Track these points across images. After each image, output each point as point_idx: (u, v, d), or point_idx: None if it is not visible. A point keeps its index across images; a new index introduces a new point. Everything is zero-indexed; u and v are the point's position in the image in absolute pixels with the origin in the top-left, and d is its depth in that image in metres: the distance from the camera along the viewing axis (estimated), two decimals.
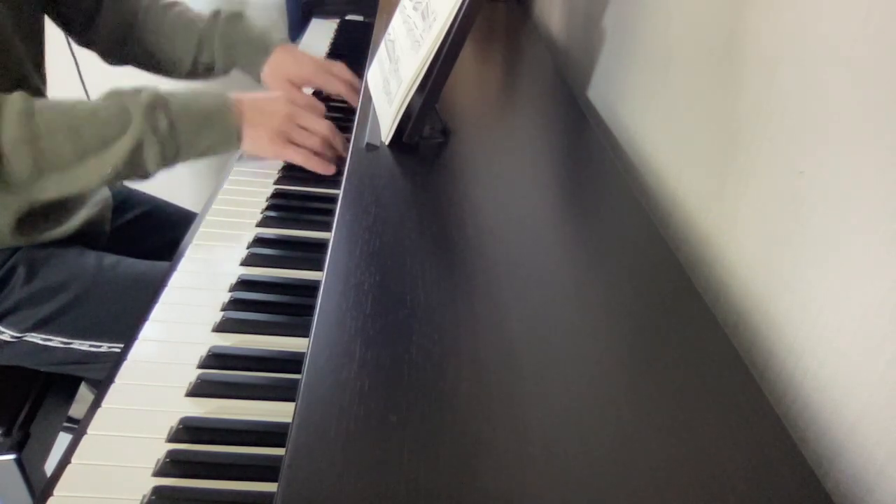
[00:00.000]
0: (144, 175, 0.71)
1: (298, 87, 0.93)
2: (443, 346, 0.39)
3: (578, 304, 0.44)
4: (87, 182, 0.68)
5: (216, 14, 0.93)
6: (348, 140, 0.76)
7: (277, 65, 0.92)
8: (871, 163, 0.38)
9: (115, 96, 0.69)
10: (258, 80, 0.94)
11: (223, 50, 0.92)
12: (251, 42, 0.92)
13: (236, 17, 0.93)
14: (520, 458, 0.33)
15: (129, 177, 0.70)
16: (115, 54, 0.95)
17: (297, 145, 0.77)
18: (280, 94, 0.79)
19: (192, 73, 0.96)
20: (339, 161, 0.81)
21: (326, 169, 0.79)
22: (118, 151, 0.67)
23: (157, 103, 0.69)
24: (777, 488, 0.33)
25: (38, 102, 0.66)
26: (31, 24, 0.78)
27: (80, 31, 0.92)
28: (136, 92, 0.69)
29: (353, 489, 0.31)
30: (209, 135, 0.71)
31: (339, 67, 0.96)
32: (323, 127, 0.79)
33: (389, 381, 0.37)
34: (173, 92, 0.72)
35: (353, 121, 0.94)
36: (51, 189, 0.68)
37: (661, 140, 0.65)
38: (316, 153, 0.79)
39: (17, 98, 0.65)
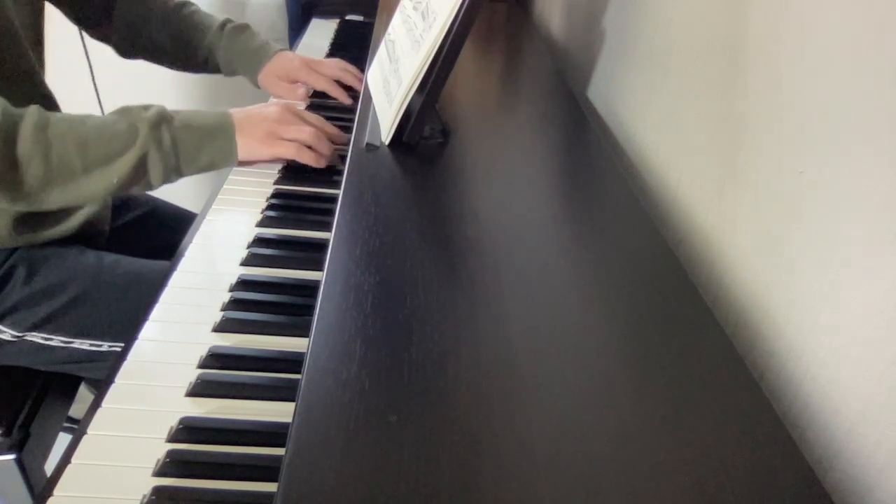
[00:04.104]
0: (148, 187, 0.74)
1: (289, 83, 1.01)
2: (443, 346, 0.39)
3: (578, 304, 0.44)
4: (93, 193, 0.70)
5: (223, 24, 1.00)
6: (347, 134, 0.78)
7: (271, 67, 1.00)
8: (872, 162, 0.38)
9: (124, 112, 0.72)
10: (256, 84, 1.03)
11: (226, 60, 1.01)
12: (252, 53, 1.00)
13: (241, 29, 1.01)
14: (519, 457, 0.33)
15: (132, 189, 0.73)
16: (127, 49, 1.00)
17: (288, 141, 0.80)
18: (272, 103, 0.83)
19: (201, 70, 1.04)
20: (336, 158, 0.84)
21: (318, 161, 0.81)
22: (124, 165, 0.69)
23: (163, 120, 0.72)
24: (777, 488, 0.33)
25: (52, 116, 0.68)
26: (31, 9, 0.80)
27: (94, 27, 0.97)
28: (144, 108, 0.72)
29: (353, 489, 0.31)
30: (209, 151, 0.75)
31: (328, 64, 1.02)
32: (312, 119, 0.83)
33: (389, 381, 0.37)
34: (178, 110, 0.75)
35: (343, 119, 0.96)
36: (57, 200, 0.69)
37: (661, 140, 0.65)
38: (309, 147, 0.81)
39: (33, 111, 0.67)
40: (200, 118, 0.75)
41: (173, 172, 0.73)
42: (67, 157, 0.67)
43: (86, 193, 0.70)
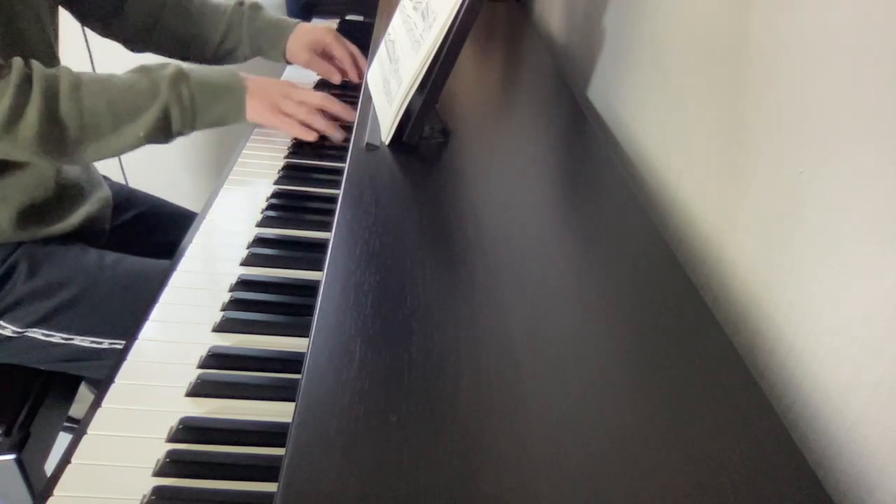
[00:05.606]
0: (168, 138, 0.80)
1: (319, 53, 1.04)
2: (443, 346, 0.39)
3: (578, 304, 0.44)
4: (123, 147, 0.76)
5: (240, 4, 1.03)
6: (353, 108, 0.84)
7: (299, 39, 1.03)
8: (871, 163, 0.38)
9: (145, 71, 0.78)
10: (281, 60, 1.05)
11: (250, 36, 1.02)
12: (275, 26, 1.03)
13: (258, 7, 1.04)
14: (519, 457, 0.33)
15: (155, 141, 0.78)
16: (140, 43, 1.01)
17: (289, 116, 0.87)
18: (283, 79, 0.90)
19: (212, 59, 1.05)
20: (342, 132, 0.89)
21: (309, 136, 0.88)
22: (148, 119, 0.76)
23: (180, 77, 0.78)
24: (777, 488, 0.33)
25: (82, 76, 0.73)
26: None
27: (102, 25, 0.97)
28: (162, 67, 0.78)
29: (353, 489, 0.31)
30: (221, 106, 0.81)
31: (350, 44, 1.08)
32: (314, 98, 0.88)
33: (389, 381, 0.37)
34: (191, 67, 0.81)
35: (350, 96, 0.98)
36: (92, 155, 0.75)
37: (661, 140, 0.65)
38: (307, 123, 0.88)
39: (66, 72, 0.72)
40: (215, 75, 0.81)
41: (189, 126, 0.80)
42: (99, 115, 0.73)
43: (116, 147, 0.76)
